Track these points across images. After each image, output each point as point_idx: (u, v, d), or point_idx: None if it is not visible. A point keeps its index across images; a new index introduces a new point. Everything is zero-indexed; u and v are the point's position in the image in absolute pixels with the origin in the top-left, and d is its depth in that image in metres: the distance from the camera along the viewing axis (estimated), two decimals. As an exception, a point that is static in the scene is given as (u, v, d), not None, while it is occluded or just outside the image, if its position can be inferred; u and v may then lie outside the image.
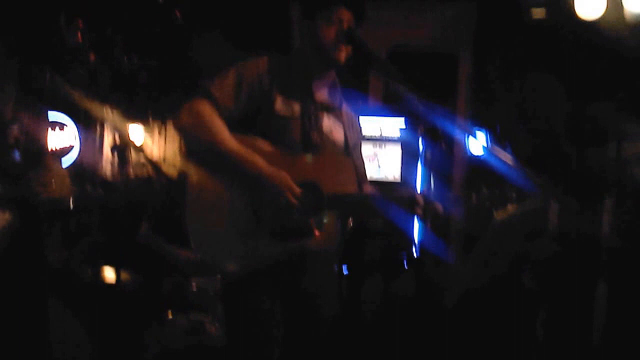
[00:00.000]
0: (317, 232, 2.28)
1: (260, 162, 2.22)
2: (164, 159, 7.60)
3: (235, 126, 2.27)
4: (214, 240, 2.23)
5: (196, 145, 2.33)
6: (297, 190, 2.24)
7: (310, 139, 2.36)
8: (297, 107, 2.36)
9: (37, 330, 1.71)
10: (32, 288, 1.64)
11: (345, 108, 2.56)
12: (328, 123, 2.44)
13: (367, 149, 2.64)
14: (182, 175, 2.35)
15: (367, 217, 3.64)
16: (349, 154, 2.49)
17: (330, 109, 2.47)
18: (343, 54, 2.35)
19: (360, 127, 2.68)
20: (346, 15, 2.34)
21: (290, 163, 2.28)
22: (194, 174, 2.26)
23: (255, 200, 2.24)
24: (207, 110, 2.24)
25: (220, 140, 2.22)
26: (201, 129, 2.23)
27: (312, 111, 2.39)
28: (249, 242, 2.22)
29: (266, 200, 2.23)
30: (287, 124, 2.33)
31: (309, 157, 2.33)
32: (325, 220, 2.30)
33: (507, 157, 2.25)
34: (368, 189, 2.57)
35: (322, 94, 2.47)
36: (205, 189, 2.25)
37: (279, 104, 2.33)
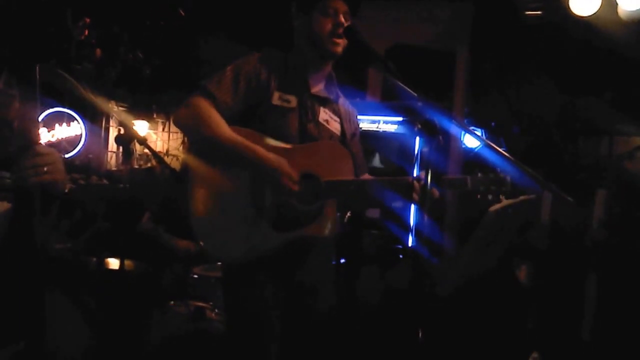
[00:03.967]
0: (315, 221, 2.33)
1: (259, 150, 2.27)
2: (167, 152, 7.70)
3: (234, 120, 2.33)
4: (216, 230, 2.28)
5: (196, 139, 2.39)
6: (296, 175, 2.28)
7: (307, 131, 2.42)
8: (293, 100, 2.41)
9: (36, 316, 1.75)
10: (27, 275, 1.70)
11: (342, 101, 2.61)
12: (324, 115, 2.49)
13: (364, 144, 2.67)
14: (185, 167, 2.42)
15: (365, 205, 3.66)
16: (347, 145, 2.54)
17: (327, 102, 2.52)
18: (339, 46, 2.38)
19: (357, 120, 2.72)
20: (341, 7, 2.37)
21: (288, 154, 2.32)
22: (196, 166, 2.31)
23: (255, 190, 2.29)
24: (206, 107, 2.29)
25: (218, 133, 2.27)
26: (199, 124, 2.29)
27: (309, 104, 2.45)
28: (249, 232, 2.28)
29: (266, 189, 2.28)
30: (285, 117, 2.38)
31: (306, 148, 2.39)
32: (323, 209, 2.34)
33: (501, 151, 2.30)
34: (366, 178, 2.61)
35: (319, 87, 2.52)
36: (207, 180, 2.29)
37: (276, 98, 2.38)
